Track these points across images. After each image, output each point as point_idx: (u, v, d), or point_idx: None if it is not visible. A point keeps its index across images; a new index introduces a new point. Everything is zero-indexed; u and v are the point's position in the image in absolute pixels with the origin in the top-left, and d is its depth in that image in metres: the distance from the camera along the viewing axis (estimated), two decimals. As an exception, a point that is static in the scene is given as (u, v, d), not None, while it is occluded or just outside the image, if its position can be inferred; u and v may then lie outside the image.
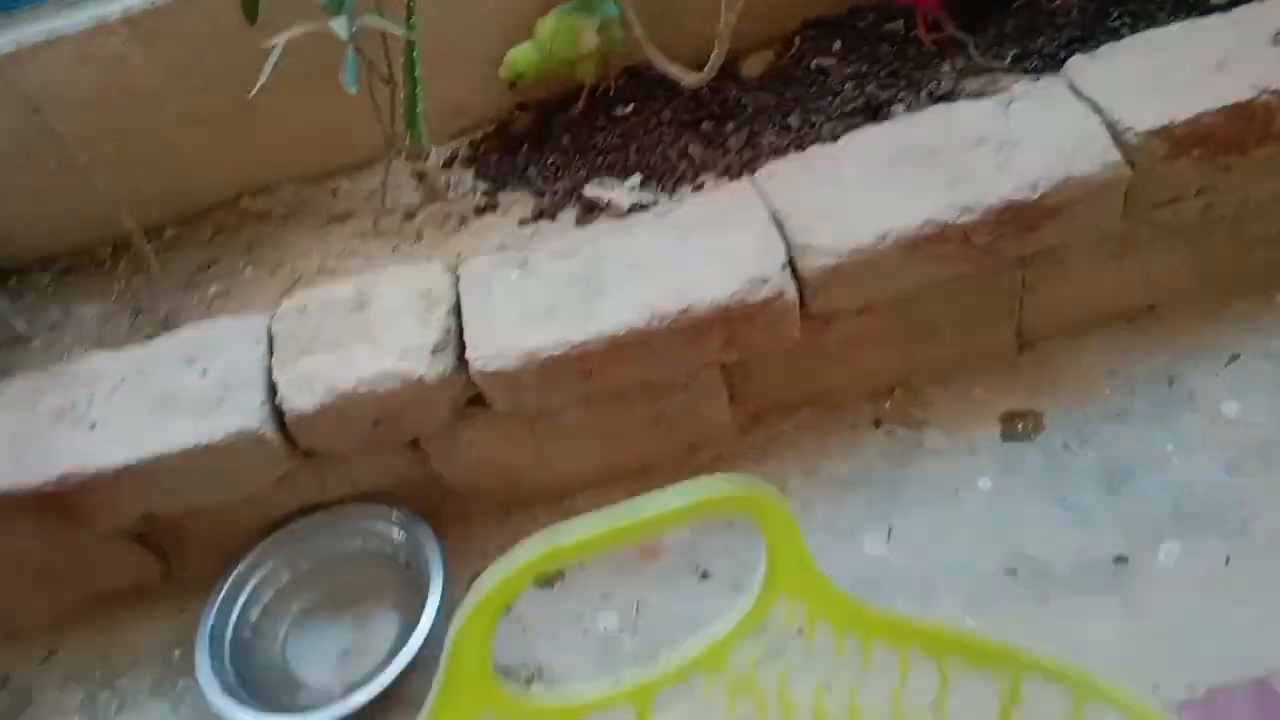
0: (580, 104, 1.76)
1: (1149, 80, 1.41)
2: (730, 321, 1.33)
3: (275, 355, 1.37)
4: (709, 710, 0.79)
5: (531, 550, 0.65)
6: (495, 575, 0.64)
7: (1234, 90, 1.36)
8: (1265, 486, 1.33)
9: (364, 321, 1.39)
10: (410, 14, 1.52)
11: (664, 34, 1.73)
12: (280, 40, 1.39)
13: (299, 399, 1.31)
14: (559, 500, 1.50)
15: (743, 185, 1.46)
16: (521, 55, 1.64)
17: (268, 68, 1.35)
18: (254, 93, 1.34)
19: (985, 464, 1.45)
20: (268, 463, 1.37)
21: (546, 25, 1.63)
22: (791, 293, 1.33)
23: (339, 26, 1.38)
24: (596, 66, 1.70)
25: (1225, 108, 1.35)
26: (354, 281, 1.45)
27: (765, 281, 1.32)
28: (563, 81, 1.78)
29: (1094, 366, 1.52)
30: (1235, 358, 1.48)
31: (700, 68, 1.64)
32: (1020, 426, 1.48)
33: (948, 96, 1.60)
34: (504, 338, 1.32)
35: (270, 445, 1.33)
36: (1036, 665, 0.76)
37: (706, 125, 1.69)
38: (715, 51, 1.64)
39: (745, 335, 1.35)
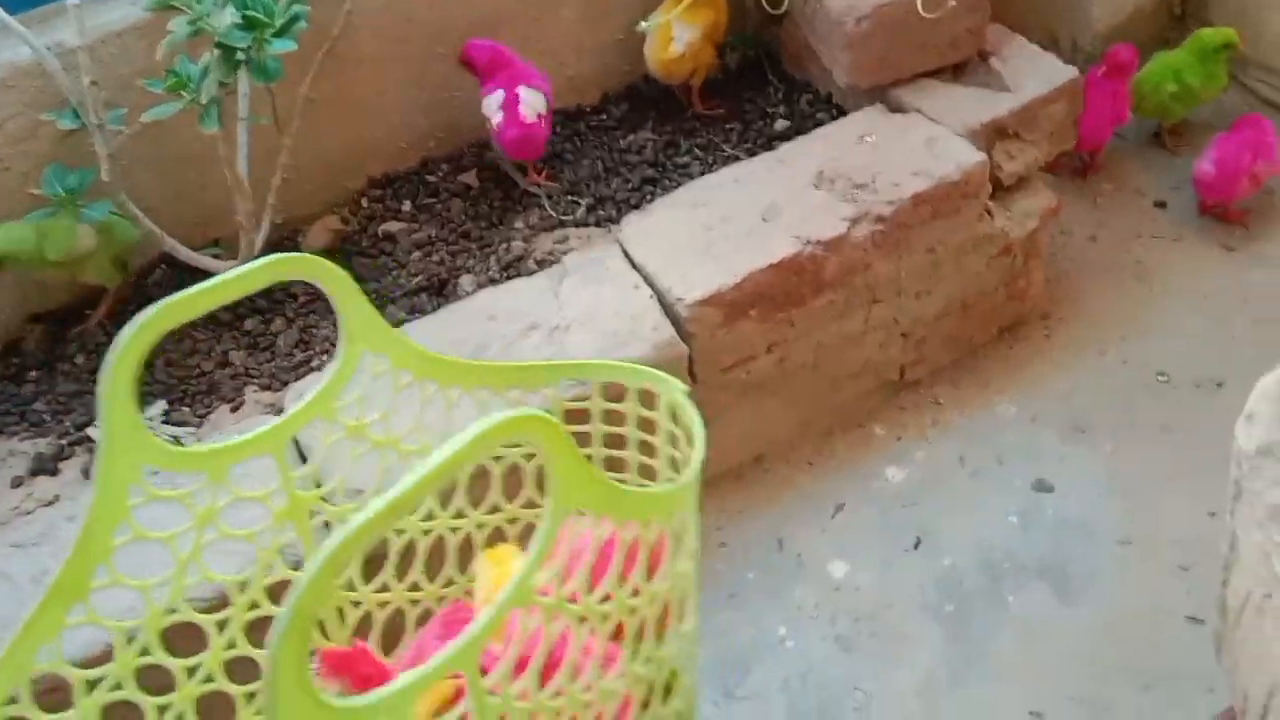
0: (99, 311, 1.47)
1: (700, 240, 1.32)
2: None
3: None
4: (338, 447, 0.96)
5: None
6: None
7: (780, 244, 1.30)
8: (876, 661, 1.25)
9: None
10: None
11: (198, 218, 1.49)
12: None
13: None
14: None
15: (266, 419, 1.23)
16: (5, 234, 1.32)
17: None
18: None
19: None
20: None
21: (28, 230, 1.33)
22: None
23: None
24: (109, 268, 1.42)
25: (773, 265, 1.28)
26: None
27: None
28: (79, 287, 1.49)
29: (707, 536, 1.41)
30: (840, 507, 1.41)
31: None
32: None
33: (517, 263, 1.46)
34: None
35: None
36: (573, 371, 0.95)
37: (252, 322, 1.45)
38: (244, 241, 1.41)
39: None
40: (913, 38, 1.43)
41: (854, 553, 1.36)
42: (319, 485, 0.97)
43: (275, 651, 0.53)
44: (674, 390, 0.87)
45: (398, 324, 1.36)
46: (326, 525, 1.00)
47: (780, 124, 1.59)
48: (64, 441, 1.33)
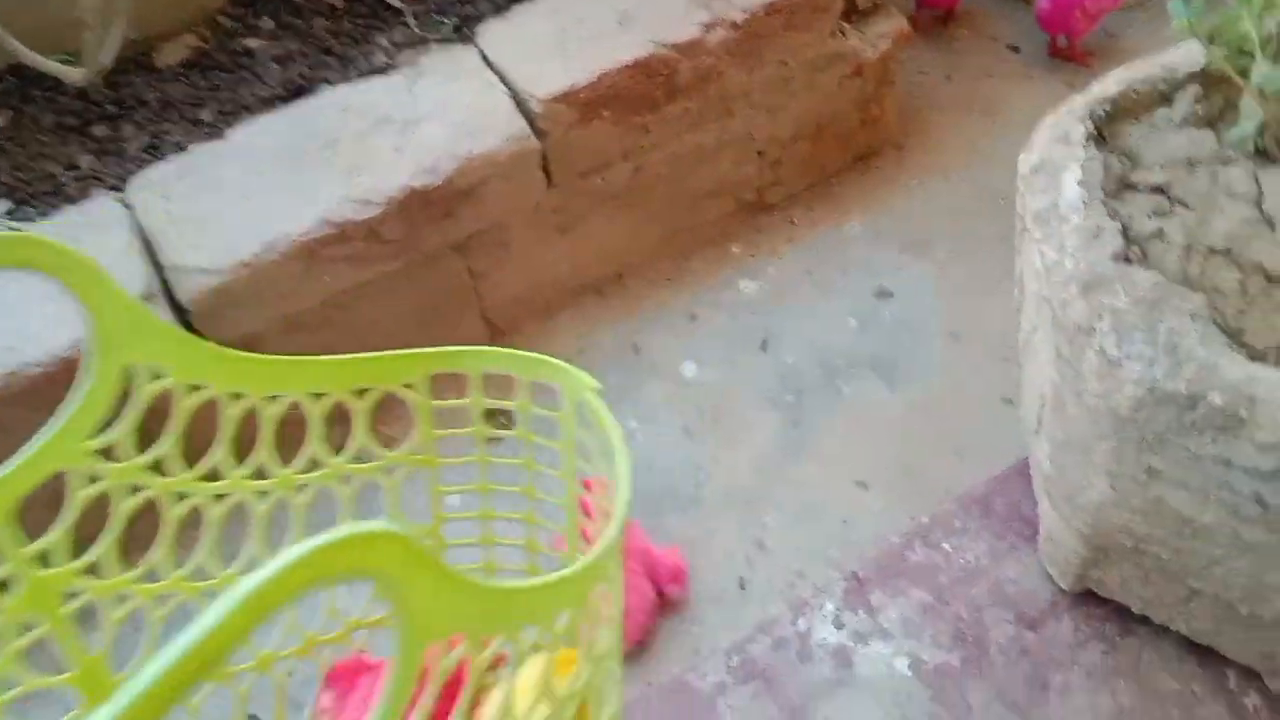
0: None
1: (555, 42, 1.33)
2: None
3: None
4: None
5: None
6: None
7: (634, 47, 1.32)
8: (717, 445, 1.32)
9: None
10: None
11: (49, 30, 1.43)
12: None
13: None
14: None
15: (109, 204, 1.22)
16: None
17: None
18: None
19: (457, 477, 1.33)
20: None
21: None
22: (164, 326, 1.12)
23: None
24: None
25: (626, 66, 1.30)
26: None
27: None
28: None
29: (565, 343, 1.45)
30: (694, 316, 1.47)
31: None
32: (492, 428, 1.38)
33: (378, 74, 1.45)
34: None
35: None
36: (443, 361, 0.70)
37: (100, 129, 1.41)
38: (89, 42, 1.36)
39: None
40: None
41: (704, 354, 1.42)
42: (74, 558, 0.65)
43: None
44: (582, 387, 0.63)
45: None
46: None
47: (646, -52, 1.60)
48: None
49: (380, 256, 1.24)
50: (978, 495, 1.06)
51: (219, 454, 0.67)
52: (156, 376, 0.62)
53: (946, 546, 1.04)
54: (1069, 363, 0.77)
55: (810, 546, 1.21)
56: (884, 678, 0.95)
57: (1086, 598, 0.97)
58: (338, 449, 0.69)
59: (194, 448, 0.65)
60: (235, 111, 1.43)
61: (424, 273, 1.33)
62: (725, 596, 1.19)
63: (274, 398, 0.65)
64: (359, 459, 0.70)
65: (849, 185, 1.61)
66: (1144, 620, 0.94)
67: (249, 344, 1.26)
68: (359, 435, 0.69)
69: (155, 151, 1.39)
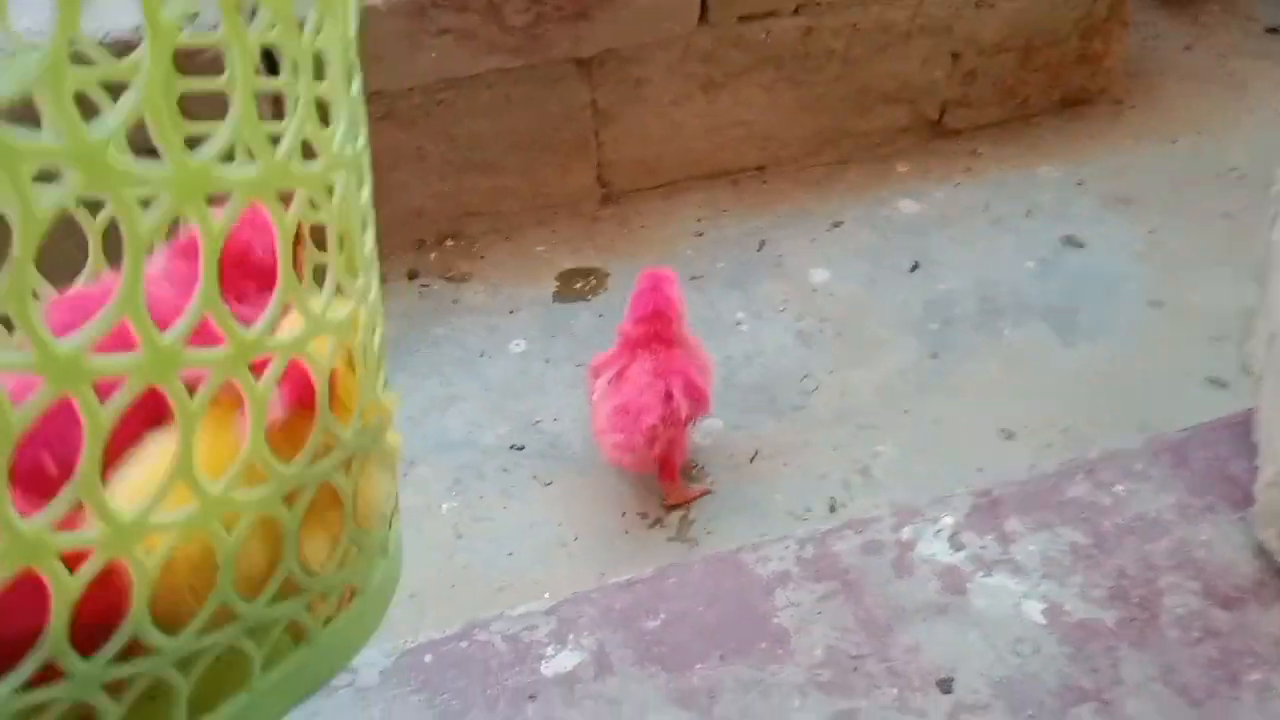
0: None
1: None
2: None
3: None
4: None
5: None
6: None
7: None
8: (836, 357, 1.09)
9: None
10: None
11: None
12: None
13: None
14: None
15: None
16: None
17: None
18: None
19: (525, 325, 1.15)
20: None
21: None
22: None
23: None
24: None
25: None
26: None
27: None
28: None
29: (683, 224, 1.26)
30: (839, 224, 1.25)
31: None
32: (580, 285, 1.19)
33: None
34: None
35: None
36: None
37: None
38: None
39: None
40: None
41: (841, 264, 1.20)
42: None
43: None
44: None
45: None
46: None
47: None
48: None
49: (497, 44, 1.08)
50: (1170, 442, 0.80)
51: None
52: None
53: (1119, 489, 0.78)
54: None
55: (930, 486, 0.95)
56: (1006, 618, 0.70)
57: (1310, 594, 0.70)
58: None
59: None
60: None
61: (543, 91, 1.16)
62: (810, 517, 0.95)
63: None
64: None
65: (1050, 129, 1.37)
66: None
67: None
68: None
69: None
